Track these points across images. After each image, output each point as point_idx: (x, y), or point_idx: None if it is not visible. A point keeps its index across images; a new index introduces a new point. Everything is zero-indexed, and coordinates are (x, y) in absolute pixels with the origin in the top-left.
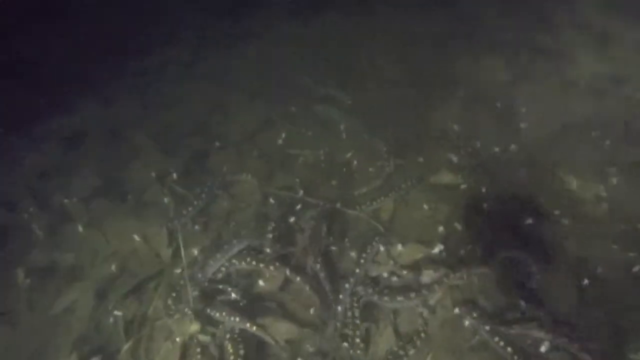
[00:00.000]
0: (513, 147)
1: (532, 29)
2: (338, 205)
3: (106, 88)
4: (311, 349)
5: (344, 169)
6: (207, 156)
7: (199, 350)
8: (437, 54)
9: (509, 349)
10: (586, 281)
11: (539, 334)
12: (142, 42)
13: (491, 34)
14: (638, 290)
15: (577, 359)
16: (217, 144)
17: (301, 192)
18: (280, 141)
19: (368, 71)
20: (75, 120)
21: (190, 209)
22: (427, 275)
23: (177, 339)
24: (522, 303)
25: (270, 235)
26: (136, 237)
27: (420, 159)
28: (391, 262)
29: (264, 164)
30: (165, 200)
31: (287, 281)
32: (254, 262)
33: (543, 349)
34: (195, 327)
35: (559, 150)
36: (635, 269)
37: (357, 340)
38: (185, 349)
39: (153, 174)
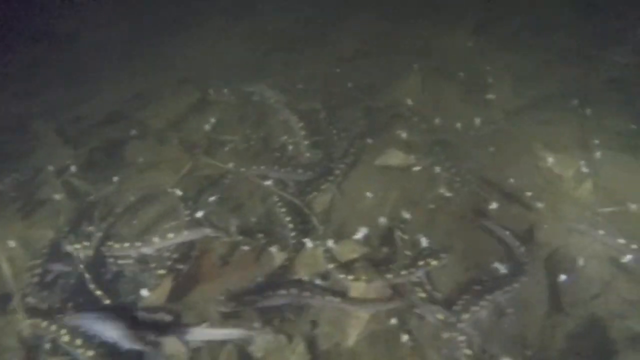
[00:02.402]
0: (478, 121)
1: None
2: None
3: (12, 78)
4: None
5: (277, 154)
6: (120, 146)
7: None
8: (395, 23)
9: None
10: (562, 277)
11: None
12: (56, 25)
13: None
14: (628, 288)
15: None
16: (134, 132)
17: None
18: (207, 127)
19: (316, 49)
20: None
21: None
22: (356, 289)
23: None
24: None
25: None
26: (12, 244)
27: (369, 140)
28: (320, 262)
29: (184, 152)
30: (57, 197)
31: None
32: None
33: None
34: None
35: (532, 122)
36: (625, 259)
37: None
38: None
39: (51, 168)
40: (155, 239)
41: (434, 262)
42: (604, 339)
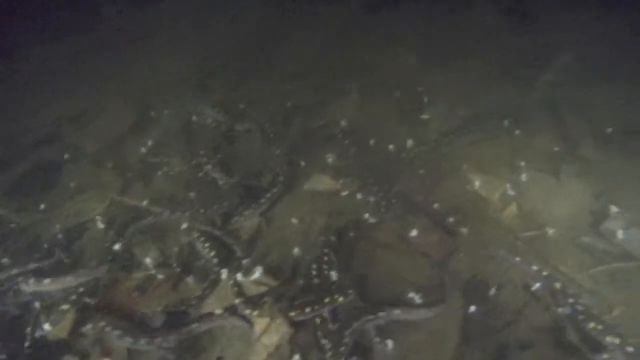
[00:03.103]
0: (410, 142)
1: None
2: (185, 221)
3: None
4: None
5: (209, 179)
6: (52, 170)
7: None
8: (337, 43)
9: None
10: (473, 308)
11: None
12: None
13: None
14: (537, 315)
15: None
16: (67, 155)
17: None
18: (143, 149)
19: (261, 67)
20: None
21: None
22: (259, 325)
23: None
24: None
25: None
26: None
27: (302, 163)
28: (231, 295)
29: (116, 177)
30: None
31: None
32: None
33: None
34: None
35: (464, 143)
36: (535, 287)
37: None
38: None
39: None
40: (30, 281)
41: (340, 299)
42: None
